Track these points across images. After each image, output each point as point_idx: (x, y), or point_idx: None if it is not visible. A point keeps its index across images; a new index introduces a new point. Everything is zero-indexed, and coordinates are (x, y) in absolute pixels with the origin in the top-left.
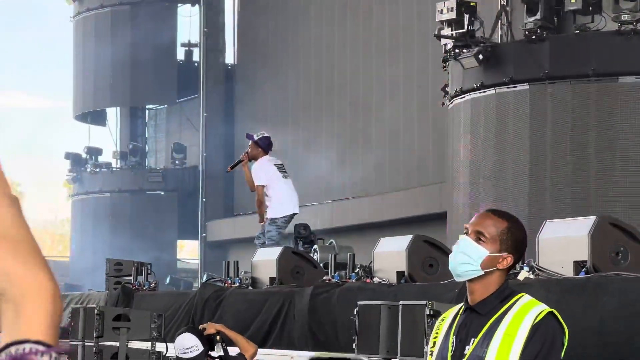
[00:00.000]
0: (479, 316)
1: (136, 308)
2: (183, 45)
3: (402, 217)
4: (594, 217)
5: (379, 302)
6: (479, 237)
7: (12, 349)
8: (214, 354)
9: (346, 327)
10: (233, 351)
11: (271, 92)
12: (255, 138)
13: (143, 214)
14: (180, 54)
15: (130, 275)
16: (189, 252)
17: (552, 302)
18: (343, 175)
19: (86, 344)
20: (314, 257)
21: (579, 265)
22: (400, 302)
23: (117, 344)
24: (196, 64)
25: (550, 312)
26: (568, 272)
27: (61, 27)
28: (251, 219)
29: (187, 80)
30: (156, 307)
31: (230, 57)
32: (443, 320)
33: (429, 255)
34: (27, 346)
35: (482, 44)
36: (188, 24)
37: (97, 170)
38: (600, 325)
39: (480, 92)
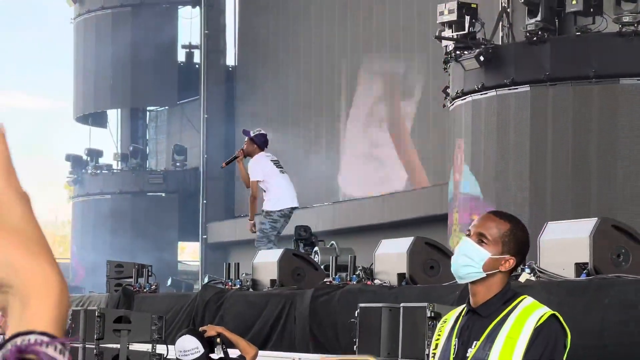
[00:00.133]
0: (481, 318)
1: (137, 310)
2: (184, 46)
3: (403, 219)
4: (595, 219)
5: (380, 304)
6: (481, 239)
7: (18, 340)
8: (214, 356)
9: (347, 329)
10: (233, 353)
11: (272, 93)
12: (252, 134)
13: (144, 216)
14: (181, 56)
15: (131, 277)
16: (189, 253)
17: (554, 304)
18: (344, 177)
19: (87, 346)
20: (315, 259)
21: (580, 267)
22: (401, 304)
23: (118, 346)
24: (197, 66)
25: (553, 315)
26: (569, 274)
27: (62, 28)
28: None
29: (187, 81)
30: (157, 309)
31: (231, 59)
32: (445, 322)
33: (430, 257)
34: (32, 337)
35: (483, 46)
36: (189, 26)
37: (98, 172)
38: (601, 327)
39: (481, 94)
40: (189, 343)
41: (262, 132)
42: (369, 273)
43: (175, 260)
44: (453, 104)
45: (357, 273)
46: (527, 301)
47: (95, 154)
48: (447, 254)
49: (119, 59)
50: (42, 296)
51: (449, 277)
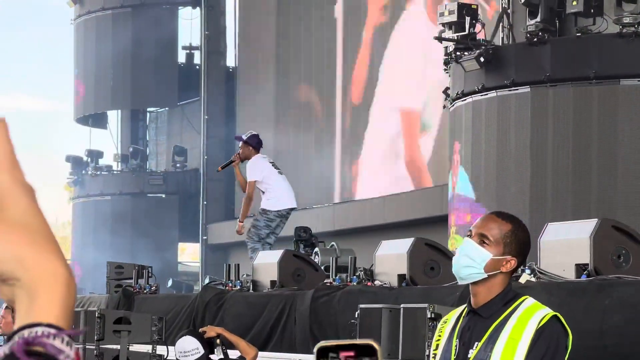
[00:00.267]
0: (482, 319)
1: (137, 311)
2: (184, 48)
3: (403, 220)
4: (596, 219)
5: (380, 305)
6: (482, 239)
7: (25, 332)
8: (214, 357)
9: (347, 330)
10: (233, 354)
11: (272, 94)
12: (244, 138)
13: (144, 217)
14: (182, 57)
15: (131, 278)
16: (189, 255)
17: (554, 305)
18: (344, 178)
19: (87, 347)
20: (315, 260)
21: (580, 268)
22: (402, 305)
23: (118, 347)
24: (197, 67)
25: (555, 316)
26: (570, 275)
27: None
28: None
29: (188, 83)
30: (157, 310)
31: (231, 60)
32: (445, 322)
33: (431, 258)
34: (39, 329)
35: (483, 47)
36: (189, 27)
37: (98, 173)
38: (601, 328)
39: (481, 95)
40: (189, 344)
41: (254, 133)
42: (369, 274)
43: (175, 261)
44: (453, 105)
45: (358, 274)
46: (529, 302)
47: (95, 155)
48: (448, 255)
49: (119, 59)
50: (49, 289)
51: (450, 278)
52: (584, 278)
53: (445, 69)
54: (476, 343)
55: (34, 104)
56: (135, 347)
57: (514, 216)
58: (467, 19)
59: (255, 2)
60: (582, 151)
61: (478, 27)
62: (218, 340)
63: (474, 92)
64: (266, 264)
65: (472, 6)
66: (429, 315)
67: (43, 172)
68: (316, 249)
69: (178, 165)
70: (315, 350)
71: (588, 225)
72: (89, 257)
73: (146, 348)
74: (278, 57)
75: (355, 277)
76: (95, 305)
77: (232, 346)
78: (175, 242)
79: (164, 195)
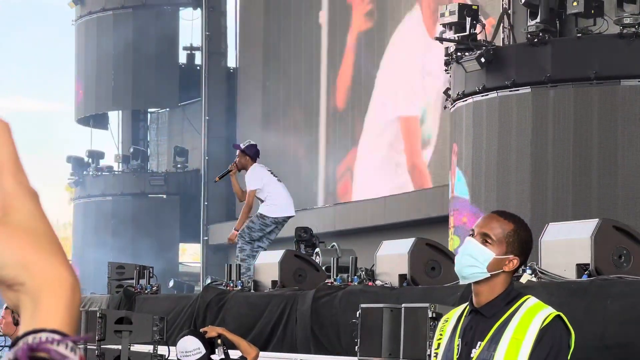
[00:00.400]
0: (485, 319)
1: (138, 311)
2: (185, 48)
3: (404, 220)
4: (597, 220)
5: (381, 305)
6: (485, 239)
7: (30, 338)
8: (215, 357)
9: (348, 330)
10: (234, 354)
11: (273, 95)
12: (242, 147)
13: (145, 218)
14: (182, 58)
15: (132, 278)
16: (191, 255)
17: (555, 305)
18: (345, 179)
19: (88, 347)
20: (316, 261)
21: (581, 268)
22: (403, 305)
23: (119, 347)
24: (198, 67)
25: (558, 315)
26: (570, 275)
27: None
28: None
29: (189, 83)
30: (158, 310)
31: (232, 60)
32: (447, 321)
33: (431, 258)
34: (44, 335)
35: (484, 47)
36: (190, 27)
37: (99, 173)
38: (602, 328)
39: (482, 95)
40: (190, 344)
41: (253, 143)
42: (370, 274)
43: (176, 262)
44: (454, 106)
45: (359, 274)
46: (531, 301)
47: (96, 155)
48: (449, 255)
49: (120, 60)
50: (54, 294)
51: (450, 278)
52: (584, 278)
53: (446, 70)
54: (479, 342)
55: (35, 105)
56: (136, 347)
57: (516, 215)
58: (468, 19)
59: (256, 2)
60: (582, 151)
61: (479, 27)
62: (219, 341)
63: (475, 93)
64: (267, 264)
65: (473, 7)
66: (430, 315)
67: (44, 172)
68: (317, 249)
69: (179, 165)
70: None
71: (589, 226)
72: (90, 257)
73: (147, 348)
74: (279, 57)
75: (356, 277)
76: (96, 305)
77: (233, 346)
78: (176, 242)
79: (165, 196)
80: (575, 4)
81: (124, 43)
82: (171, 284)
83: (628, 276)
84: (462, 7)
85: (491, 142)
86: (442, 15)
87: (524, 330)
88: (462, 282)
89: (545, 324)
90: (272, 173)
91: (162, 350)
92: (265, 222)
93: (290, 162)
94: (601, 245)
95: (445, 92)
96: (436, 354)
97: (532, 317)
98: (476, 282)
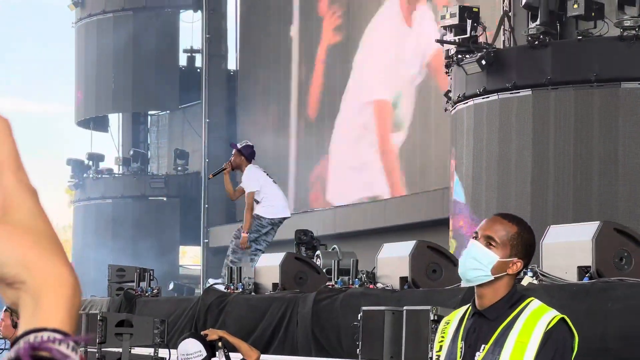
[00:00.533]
0: (488, 321)
1: (139, 314)
2: (185, 51)
3: (405, 222)
4: (598, 222)
5: (383, 308)
6: (489, 242)
7: (31, 337)
8: None
9: (349, 332)
10: (235, 357)
11: (273, 97)
12: (239, 146)
13: (145, 220)
14: (183, 60)
15: (133, 281)
16: (191, 258)
17: (556, 308)
18: (346, 181)
19: (89, 349)
20: (317, 263)
21: (582, 270)
22: (405, 308)
23: (120, 349)
24: (198, 70)
25: (562, 318)
26: (572, 277)
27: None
28: None
29: (189, 85)
30: (159, 313)
31: (232, 63)
32: (448, 323)
33: (433, 261)
34: (45, 334)
35: (484, 50)
36: (190, 30)
37: (99, 176)
38: (604, 330)
39: (483, 98)
40: (191, 346)
41: (249, 143)
42: (371, 277)
43: (176, 265)
44: (455, 108)
45: (360, 277)
46: (535, 304)
47: (96, 158)
48: (450, 258)
49: (120, 62)
50: (55, 293)
51: (452, 281)
52: (586, 280)
53: (446, 72)
54: (483, 345)
55: (35, 107)
56: (137, 350)
57: (519, 218)
58: (469, 22)
59: (256, 4)
60: (583, 154)
61: (479, 30)
62: (220, 343)
63: (476, 95)
64: (268, 266)
65: (474, 9)
66: (432, 318)
67: (44, 175)
68: (318, 252)
69: (179, 168)
70: None
71: (590, 228)
72: (90, 260)
73: (148, 351)
74: (279, 59)
75: (357, 279)
76: (96, 308)
77: (234, 349)
78: (177, 245)
79: (165, 199)
80: (575, 6)
81: (124, 45)
82: (171, 286)
83: (629, 278)
84: (463, 10)
85: (492, 144)
86: (443, 17)
87: (529, 333)
88: (465, 285)
89: (550, 326)
90: (267, 174)
91: (162, 353)
92: (262, 223)
93: (290, 164)
94: (602, 247)
95: (446, 94)
96: (438, 356)
97: (536, 320)
98: (479, 285)
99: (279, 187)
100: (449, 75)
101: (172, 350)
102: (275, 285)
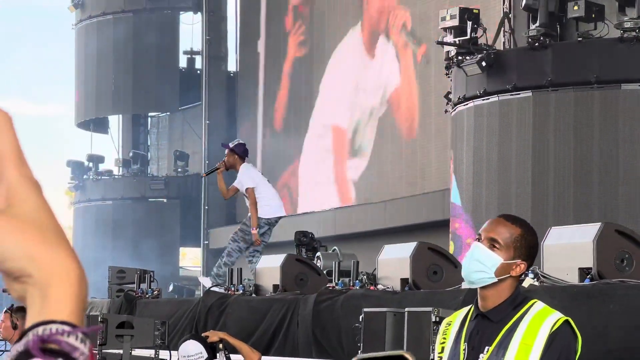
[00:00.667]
0: (492, 323)
1: (139, 316)
2: (185, 52)
3: (405, 224)
4: (599, 224)
5: (384, 309)
6: (492, 244)
7: (39, 329)
8: None
9: (350, 334)
10: (236, 359)
11: (273, 99)
12: (231, 146)
13: (145, 222)
14: (183, 61)
15: (133, 282)
16: (191, 259)
17: (557, 309)
18: (346, 183)
19: None
20: (317, 265)
21: (583, 272)
22: (406, 309)
23: (121, 351)
24: (198, 71)
25: (566, 321)
26: (573, 279)
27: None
28: None
29: (189, 87)
30: (159, 315)
31: (232, 64)
32: (449, 325)
33: (433, 263)
34: (54, 327)
35: (485, 51)
36: (190, 32)
37: (99, 177)
38: (605, 332)
39: (483, 99)
40: (192, 348)
41: (241, 142)
42: (372, 278)
43: (176, 266)
44: (455, 109)
45: (360, 278)
46: (538, 306)
47: (96, 159)
48: (451, 259)
49: (120, 64)
50: (62, 285)
51: (452, 282)
52: (587, 282)
53: (446, 74)
54: (487, 347)
55: (35, 109)
56: (137, 352)
57: (522, 219)
58: (469, 23)
59: (256, 6)
60: (583, 155)
61: (479, 31)
62: (221, 345)
63: (476, 97)
64: (269, 268)
65: (474, 11)
66: (433, 319)
67: (44, 176)
68: (318, 254)
69: (179, 170)
70: None
71: (591, 229)
72: (90, 261)
73: (149, 353)
74: (280, 61)
75: (357, 281)
76: (97, 309)
77: (235, 351)
78: (177, 246)
79: (165, 200)
80: (575, 8)
81: (124, 47)
82: (171, 288)
83: (630, 280)
84: (463, 11)
85: (492, 146)
86: (443, 19)
87: (533, 335)
88: (469, 287)
89: (554, 329)
90: (261, 174)
91: (163, 354)
92: (259, 224)
93: (290, 165)
94: (603, 249)
95: (446, 95)
96: (440, 358)
97: (540, 322)
98: (483, 287)
99: (272, 186)
100: (449, 77)
101: (172, 352)
102: (275, 286)
